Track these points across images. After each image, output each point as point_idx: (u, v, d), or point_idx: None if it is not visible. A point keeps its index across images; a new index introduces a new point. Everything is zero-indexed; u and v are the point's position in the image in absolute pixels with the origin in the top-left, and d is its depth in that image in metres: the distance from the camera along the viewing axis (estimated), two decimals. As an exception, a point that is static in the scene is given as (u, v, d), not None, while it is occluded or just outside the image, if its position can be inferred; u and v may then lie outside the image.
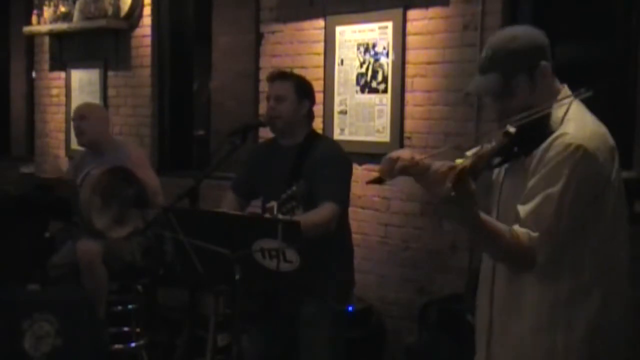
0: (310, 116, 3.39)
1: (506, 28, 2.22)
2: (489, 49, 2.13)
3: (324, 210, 3.11)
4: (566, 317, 2.02)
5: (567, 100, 2.07)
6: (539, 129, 1.96)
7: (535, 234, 1.95)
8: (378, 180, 2.11)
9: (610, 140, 2.05)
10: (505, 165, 2.09)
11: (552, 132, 1.97)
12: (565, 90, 2.14)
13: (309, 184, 3.03)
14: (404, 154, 2.18)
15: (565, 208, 1.94)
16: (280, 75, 3.37)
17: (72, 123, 4.72)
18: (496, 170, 2.20)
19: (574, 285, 2.02)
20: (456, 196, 1.78)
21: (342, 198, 3.24)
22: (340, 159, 3.32)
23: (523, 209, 1.98)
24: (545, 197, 1.95)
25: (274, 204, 2.95)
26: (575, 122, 2.01)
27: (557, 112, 2.04)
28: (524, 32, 2.13)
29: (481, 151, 1.86)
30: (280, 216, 2.91)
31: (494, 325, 2.17)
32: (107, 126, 4.72)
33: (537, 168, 1.99)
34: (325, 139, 3.57)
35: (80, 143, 4.68)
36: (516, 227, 1.97)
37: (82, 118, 4.60)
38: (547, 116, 2.00)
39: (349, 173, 3.35)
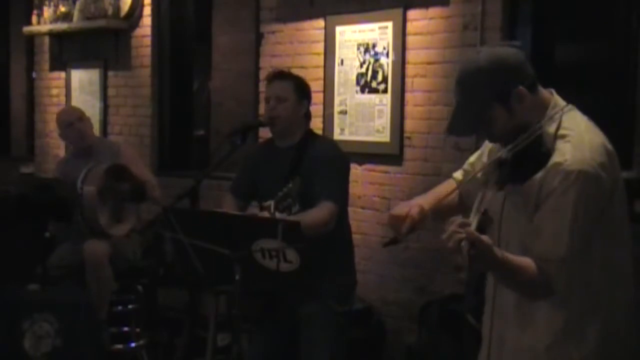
0: (308, 116, 3.39)
1: (472, 55, 2.09)
2: (457, 84, 2.07)
3: (322, 210, 3.11)
4: (579, 329, 2.02)
5: (557, 115, 2.01)
6: (533, 150, 1.92)
7: (550, 267, 1.94)
8: (394, 242, 2.17)
9: (609, 146, 2.00)
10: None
11: (548, 151, 1.93)
12: (555, 98, 2.07)
13: (306, 182, 3.03)
14: (413, 210, 2.17)
15: (577, 236, 1.93)
16: (280, 75, 3.36)
17: (64, 129, 4.57)
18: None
19: (585, 298, 2.02)
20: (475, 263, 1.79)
21: (340, 197, 3.24)
22: (338, 158, 3.32)
23: (536, 243, 1.96)
24: (557, 230, 1.93)
25: (270, 202, 2.94)
26: (571, 141, 1.95)
27: (549, 127, 1.99)
28: (488, 60, 2.01)
29: (482, 204, 1.88)
30: (277, 214, 2.91)
31: (495, 339, 2.16)
32: None
33: (540, 198, 1.95)
34: (323, 138, 3.57)
35: (80, 146, 4.57)
36: (530, 260, 1.96)
37: (81, 120, 4.56)
38: (540, 135, 1.95)
39: (347, 172, 3.36)
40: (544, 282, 1.95)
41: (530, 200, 1.98)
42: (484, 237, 1.81)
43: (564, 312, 2.02)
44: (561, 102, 2.07)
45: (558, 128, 1.98)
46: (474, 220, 1.83)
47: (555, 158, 1.93)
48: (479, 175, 2.17)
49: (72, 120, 4.54)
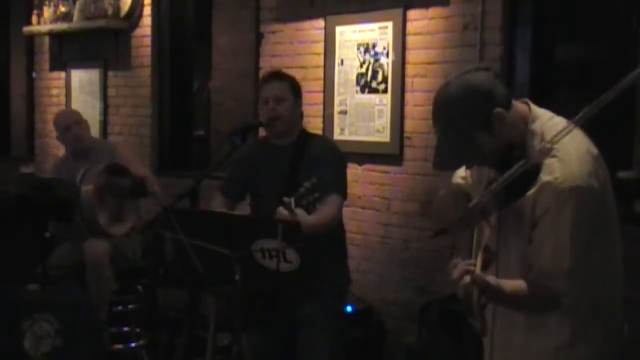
0: (302, 115, 3.42)
1: (443, 88, 2.06)
2: (435, 120, 2.06)
3: (331, 204, 3.14)
4: (585, 332, 2.05)
5: (538, 127, 2.01)
6: (521, 168, 1.88)
7: (555, 282, 1.94)
8: (444, 231, 2.05)
9: (593, 149, 2.00)
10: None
11: (537, 166, 1.91)
12: (532, 111, 2.06)
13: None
14: (460, 196, 2.14)
15: (578, 247, 1.93)
16: (277, 76, 3.37)
17: (62, 133, 4.55)
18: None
19: (589, 302, 2.03)
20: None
21: (344, 189, 3.28)
22: (337, 154, 3.36)
23: (538, 261, 1.96)
24: (558, 246, 1.93)
25: (291, 199, 2.94)
26: (557, 156, 1.94)
27: (532, 141, 1.99)
28: (461, 90, 2.00)
29: (482, 240, 1.87)
30: (298, 210, 2.91)
31: (498, 342, 2.17)
32: None
33: (535, 216, 1.96)
34: (319, 137, 3.62)
35: (78, 149, 4.55)
36: (531, 279, 1.96)
37: (78, 123, 4.56)
38: (524, 148, 1.95)
39: (346, 167, 3.40)
40: (550, 299, 1.96)
41: (524, 218, 1.99)
42: (491, 279, 1.82)
43: (571, 319, 2.04)
44: (539, 111, 2.06)
45: (541, 141, 1.97)
46: (477, 260, 1.81)
47: (545, 176, 1.93)
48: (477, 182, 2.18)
49: (69, 124, 4.53)
